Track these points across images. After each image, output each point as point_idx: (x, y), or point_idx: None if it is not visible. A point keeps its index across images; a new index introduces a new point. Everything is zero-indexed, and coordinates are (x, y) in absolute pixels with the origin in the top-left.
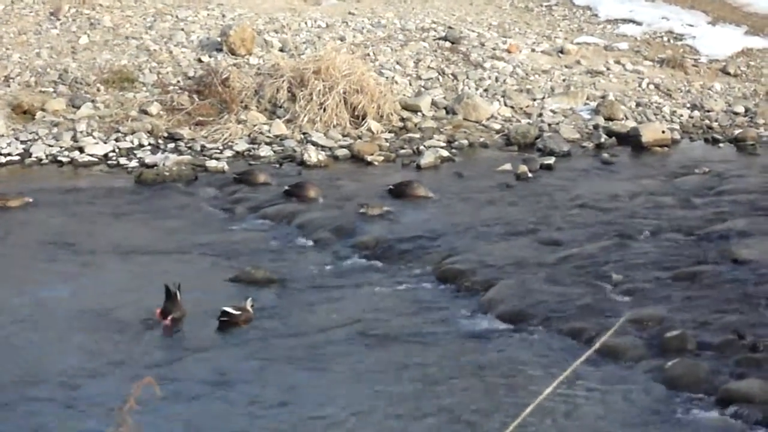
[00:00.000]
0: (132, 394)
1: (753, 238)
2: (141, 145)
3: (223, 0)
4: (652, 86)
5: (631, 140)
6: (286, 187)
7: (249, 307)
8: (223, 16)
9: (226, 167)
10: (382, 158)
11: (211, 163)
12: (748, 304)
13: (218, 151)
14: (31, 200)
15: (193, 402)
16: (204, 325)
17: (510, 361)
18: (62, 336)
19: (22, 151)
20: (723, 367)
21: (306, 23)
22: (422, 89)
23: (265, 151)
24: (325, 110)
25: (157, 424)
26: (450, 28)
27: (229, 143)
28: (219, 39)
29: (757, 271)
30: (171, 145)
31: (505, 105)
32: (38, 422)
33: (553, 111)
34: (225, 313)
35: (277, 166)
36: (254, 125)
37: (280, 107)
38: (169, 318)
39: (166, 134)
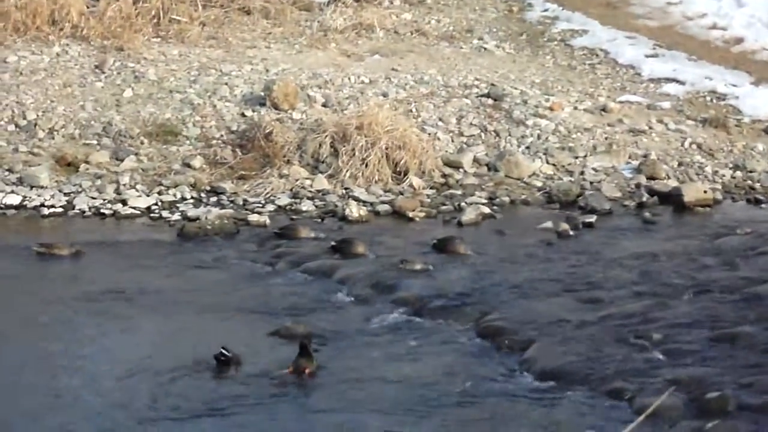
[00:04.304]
0: None
1: None
2: (184, 199)
3: (267, 55)
4: (694, 146)
5: (672, 200)
6: (333, 242)
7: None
8: (267, 71)
9: (268, 221)
10: (423, 214)
11: (253, 217)
12: None
13: (260, 205)
14: (80, 249)
15: None
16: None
17: (549, 420)
18: (122, 388)
19: (66, 203)
20: (764, 428)
21: (349, 79)
22: (464, 146)
23: (306, 205)
24: (367, 165)
25: None
26: (493, 85)
27: (272, 197)
28: (262, 93)
29: None
30: (213, 199)
31: (547, 162)
32: None
33: (595, 169)
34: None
35: (319, 221)
36: (296, 180)
37: (323, 162)
38: (307, 371)
39: (208, 188)
